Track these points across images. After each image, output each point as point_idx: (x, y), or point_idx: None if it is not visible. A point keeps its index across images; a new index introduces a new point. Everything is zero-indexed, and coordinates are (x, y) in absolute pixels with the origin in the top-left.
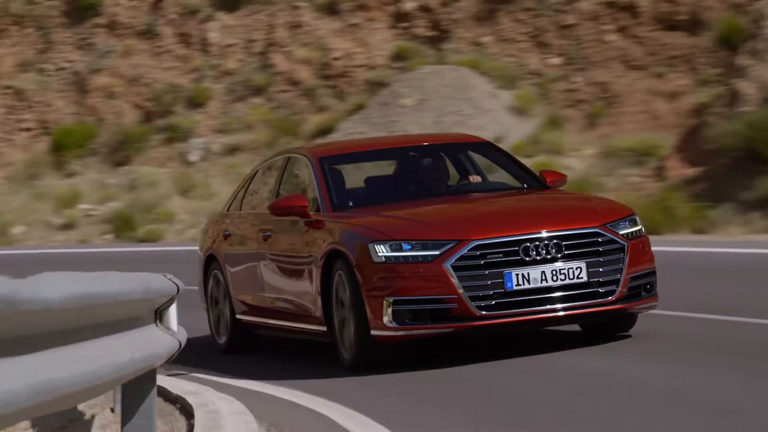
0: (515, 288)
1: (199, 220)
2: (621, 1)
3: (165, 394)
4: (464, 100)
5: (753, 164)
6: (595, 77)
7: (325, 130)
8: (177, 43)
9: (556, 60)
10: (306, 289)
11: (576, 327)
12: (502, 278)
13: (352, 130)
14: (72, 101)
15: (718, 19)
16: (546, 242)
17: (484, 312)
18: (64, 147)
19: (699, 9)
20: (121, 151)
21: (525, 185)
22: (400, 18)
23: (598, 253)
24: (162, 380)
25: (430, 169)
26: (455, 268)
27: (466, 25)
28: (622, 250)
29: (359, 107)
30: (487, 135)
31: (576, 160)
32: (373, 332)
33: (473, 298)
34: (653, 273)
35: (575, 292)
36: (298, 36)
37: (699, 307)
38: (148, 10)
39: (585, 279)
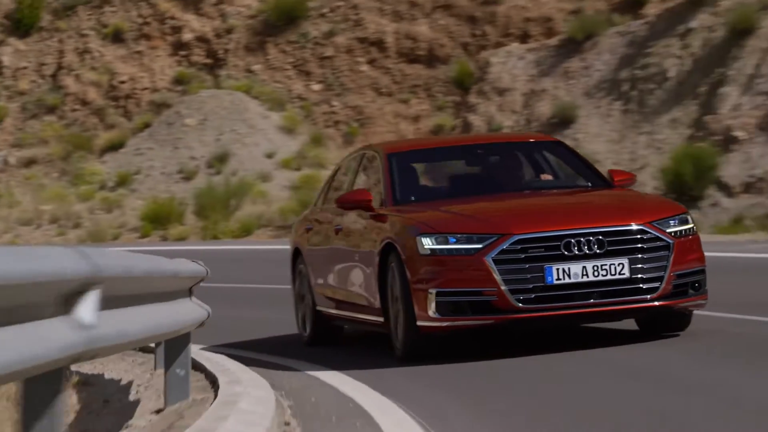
0: (555, 282)
1: (10, 226)
2: (371, 37)
3: (202, 369)
4: (240, 121)
5: None
6: (350, 101)
7: (115, 146)
8: None
9: (317, 86)
10: (368, 281)
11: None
12: (543, 272)
13: (140, 146)
14: None
15: (453, 61)
16: (588, 238)
17: (523, 305)
18: None
19: (435, 46)
20: None
21: (590, 183)
22: (180, 47)
23: (641, 250)
24: (200, 354)
25: (497, 167)
26: (496, 261)
27: (238, 54)
28: (667, 247)
29: (146, 125)
30: (260, 151)
31: None
32: (419, 323)
33: (513, 291)
34: (702, 272)
35: (616, 287)
36: (87, 61)
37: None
38: None
39: (627, 275)
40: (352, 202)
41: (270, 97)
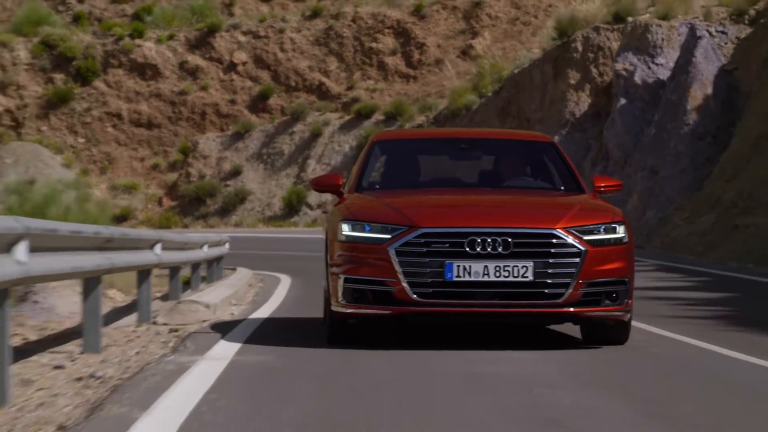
0: (455, 279)
1: None
2: (114, 111)
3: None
4: (38, 160)
5: None
6: (102, 149)
7: None
8: None
9: (81, 140)
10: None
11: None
12: (443, 268)
13: None
14: None
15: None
16: (494, 238)
17: (420, 298)
18: None
19: (152, 117)
20: None
21: (562, 187)
22: None
23: (549, 254)
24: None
25: (478, 163)
26: (399, 252)
27: (33, 120)
28: (578, 254)
29: None
30: (53, 178)
31: None
32: (332, 308)
33: (412, 284)
34: (622, 282)
35: (517, 290)
36: None
37: None
38: None
39: (530, 278)
40: (323, 185)
41: (54, 146)
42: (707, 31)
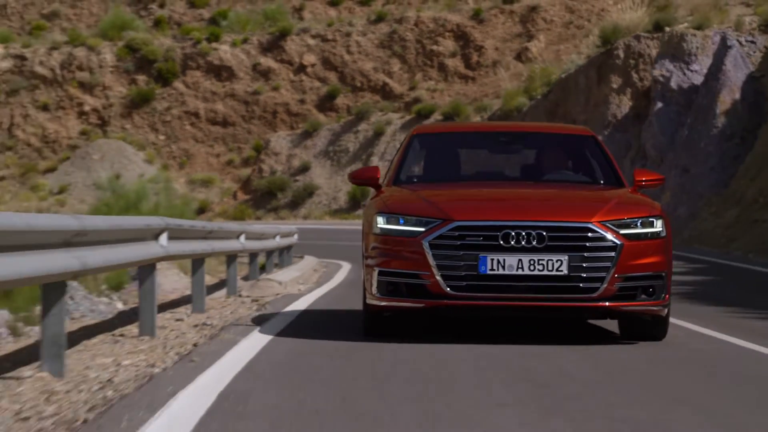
0: (488, 272)
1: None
2: (191, 110)
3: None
4: (122, 156)
5: None
6: (180, 146)
7: (50, 170)
8: None
9: (162, 137)
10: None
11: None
12: (477, 261)
13: (66, 170)
14: None
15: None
16: (529, 231)
17: (454, 291)
18: None
19: (227, 116)
20: None
21: (602, 181)
22: (82, 114)
23: (584, 248)
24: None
25: (518, 156)
26: (433, 246)
27: (117, 119)
28: (613, 248)
29: (67, 158)
30: (135, 174)
31: None
32: (367, 300)
33: (446, 277)
34: (659, 277)
35: (551, 284)
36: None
37: None
38: None
39: (565, 272)
40: (362, 178)
41: (137, 143)
42: (737, 40)
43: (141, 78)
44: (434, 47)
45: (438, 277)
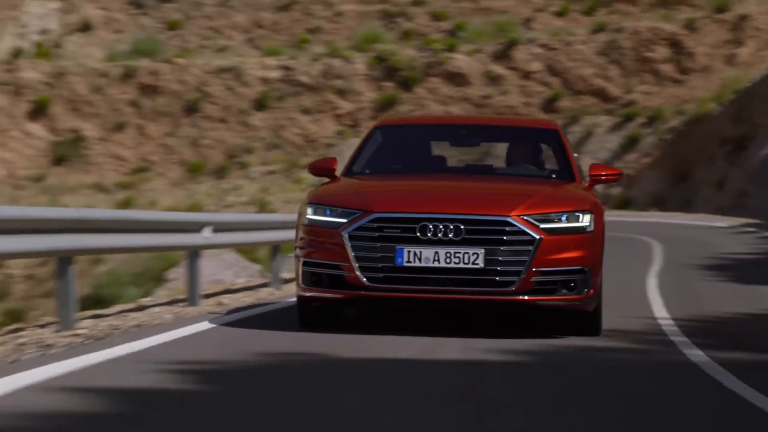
0: (405, 264)
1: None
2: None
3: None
4: None
5: None
6: None
7: None
8: None
9: None
10: None
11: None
12: (394, 253)
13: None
14: None
15: None
16: (446, 224)
17: (370, 283)
18: None
19: None
20: None
21: (554, 175)
22: (338, 116)
23: (500, 242)
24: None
25: (476, 149)
26: (352, 237)
27: (365, 120)
28: (531, 242)
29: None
30: None
31: None
32: (297, 291)
33: (363, 269)
34: (581, 272)
35: (468, 277)
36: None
37: None
38: None
39: (481, 266)
40: (318, 168)
41: None
42: None
43: (388, 85)
44: (649, 54)
45: (356, 269)
